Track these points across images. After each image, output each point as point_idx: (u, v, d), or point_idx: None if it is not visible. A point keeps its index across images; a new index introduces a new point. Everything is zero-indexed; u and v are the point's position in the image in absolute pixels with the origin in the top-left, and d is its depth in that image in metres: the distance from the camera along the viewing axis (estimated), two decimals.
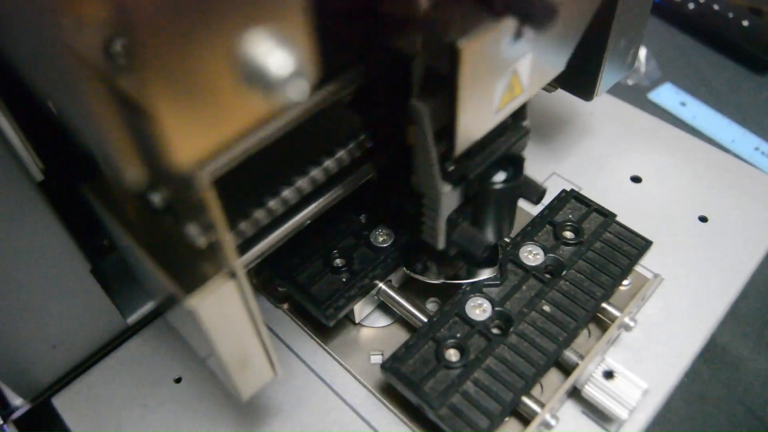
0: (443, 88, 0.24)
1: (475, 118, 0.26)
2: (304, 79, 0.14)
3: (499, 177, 0.31)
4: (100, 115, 0.15)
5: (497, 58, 0.24)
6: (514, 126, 0.31)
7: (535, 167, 0.47)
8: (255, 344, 0.26)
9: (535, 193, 0.32)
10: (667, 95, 0.61)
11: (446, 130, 0.26)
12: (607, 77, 0.39)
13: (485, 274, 0.35)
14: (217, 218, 0.20)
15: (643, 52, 0.63)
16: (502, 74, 0.25)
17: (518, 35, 0.24)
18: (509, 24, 0.23)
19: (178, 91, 0.14)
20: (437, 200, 0.29)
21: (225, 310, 0.23)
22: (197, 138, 0.15)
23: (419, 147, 0.27)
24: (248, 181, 0.29)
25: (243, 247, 0.30)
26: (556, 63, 0.30)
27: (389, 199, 0.34)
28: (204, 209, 0.19)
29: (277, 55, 0.14)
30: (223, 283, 0.22)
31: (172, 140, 0.14)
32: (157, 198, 0.23)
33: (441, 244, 0.32)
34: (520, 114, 0.31)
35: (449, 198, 0.29)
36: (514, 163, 0.31)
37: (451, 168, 0.28)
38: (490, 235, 0.33)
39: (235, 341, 0.25)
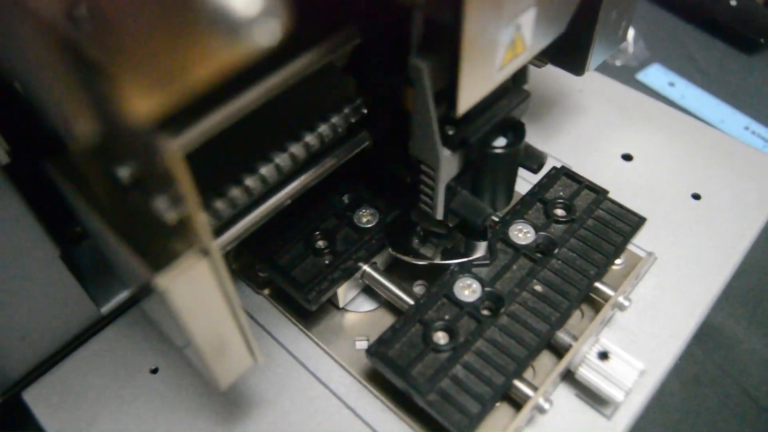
0: (444, 43, 0.23)
1: (478, 76, 0.24)
2: (273, 19, 0.13)
3: (500, 142, 0.30)
4: (59, 78, 0.14)
5: (502, 9, 0.23)
6: (515, 89, 0.30)
7: None
8: (232, 329, 0.24)
9: (536, 160, 0.31)
10: (655, 76, 0.60)
11: (445, 92, 0.25)
12: (598, 51, 0.38)
13: (474, 253, 0.34)
14: (187, 189, 0.18)
15: (631, 33, 0.62)
16: (506, 28, 0.24)
17: None
18: None
19: (132, 39, 0.12)
20: (437, 166, 0.28)
21: (198, 291, 0.21)
22: (155, 89, 0.13)
23: (418, 110, 0.26)
24: (230, 153, 0.27)
25: (221, 228, 0.29)
26: (559, 21, 0.28)
27: (385, 169, 0.33)
28: (172, 180, 0.18)
29: None
30: (196, 262, 0.21)
31: (128, 92, 0.13)
32: (124, 172, 0.22)
33: (440, 214, 0.31)
34: (520, 77, 0.30)
35: (449, 164, 0.28)
36: (514, 129, 0.30)
37: (451, 132, 0.27)
38: (490, 204, 0.32)
39: (210, 325, 0.23)
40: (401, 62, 0.24)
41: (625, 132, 0.46)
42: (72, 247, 0.34)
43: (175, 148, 0.17)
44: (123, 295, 0.36)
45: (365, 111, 0.29)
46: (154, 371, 0.35)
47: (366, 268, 0.34)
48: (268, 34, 0.13)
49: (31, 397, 0.34)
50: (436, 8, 0.22)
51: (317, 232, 0.34)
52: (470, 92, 0.24)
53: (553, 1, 0.26)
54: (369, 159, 0.32)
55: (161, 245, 0.21)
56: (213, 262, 0.21)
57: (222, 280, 0.22)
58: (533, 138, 0.46)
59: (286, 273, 0.33)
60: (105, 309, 0.36)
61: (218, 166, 0.26)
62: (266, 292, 0.37)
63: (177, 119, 0.20)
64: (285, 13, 0.13)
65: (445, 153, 0.27)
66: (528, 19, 0.25)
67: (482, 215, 0.30)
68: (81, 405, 0.34)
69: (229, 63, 0.13)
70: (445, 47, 0.22)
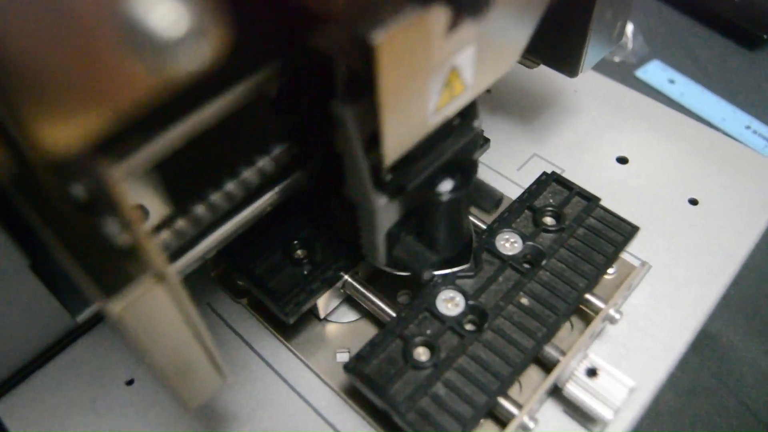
0: (369, 89, 0.20)
1: (407, 124, 0.22)
2: (202, 41, 0.11)
3: (446, 186, 0.27)
4: None
5: (427, 54, 0.20)
6: (463, 127, 0.27)
7: (515, 148, 0.44)
8: (196, 352, 0.23)
9: (490, 200, 0.28)
10: (654, 72, 0.58)
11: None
12: (593, 52, 0.36)
13: (459, 264, 0.32)
14: (131, 217, 0.17)
15: (630, 28, 0.61)
16: (437, 72, 0.21)
17: (453, 26, 0.20)
18: (438, 12, 0.19)
19: (37, 65, 0.11)
20: (372, 214, 0.26)
21: (154, 317, 0.20)
22: (70, 119, 0.12)
23: (347, 156, 0.24)
24: (192, 170, 0.26)
25: (195, 239, 0.27)
26: (508, 54, 0.26)
27: (325, 210, 0.31)
28: (116, 207, 0.17)
29: (164, 7, 0.11)
30: (150, 288, 0.19)
31: (37, 123, 0.12)
32: (79, 190, 0.20)
33: (381, 261, 0.29)
34: (469, 113, 0.27)
35: (387, 211, 0.26)
36: (462, 169, 0.27)
37: (388, 178, 0.25)
38: (438, 250, 0.30)
39: (171, 350, 0.22)
40: (328, 102, 0.22)
41: (620, 134, 0.45)
42: (42, 254, 0.33)
43: (117, 175, 0.16)
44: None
45: (297, 152, 0.27)
46: (130, 383, 0.34)
47: (347, 278, 0.33)
48: (195, 58, 0.12)
49: (4, 408, 0.33)
50: (351, 58, 0.20)
51: (296, 241, 0.33)
52: (397, 141, 0.22)
53: (500, 34, 0.24)
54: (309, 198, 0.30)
55: (117, 268, 0.20)
56: (169, 287, 0.20)
57: (181, 304, 0.21)
58: (525, 140, 0.44)
59: (263, 283, 0.32)
60: (80, 317, 0.35)
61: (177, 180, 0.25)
62: (245, 301, 0.36)
63: (124, 141, 0.19)
64: (218, 33, 0.12)
65: (381, 201, 0.25)
66: (466, 57, 0.22)
67: (426, 264, 0.28)
68: (54, 417, 0.33)
69: (154, 87, 0.12)
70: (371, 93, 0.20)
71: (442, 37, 0.20)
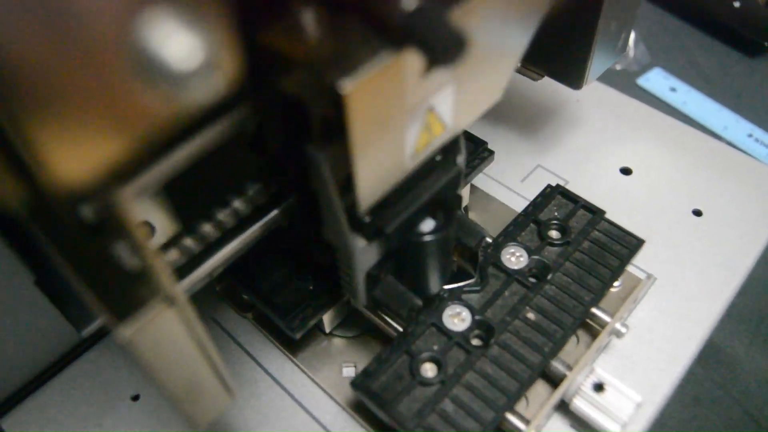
0: (342, 134, 0.20)
1: (382, 168, 0.21)
2: (215, 73, 0.11)
3: (427, 226, 0.26)
4: None
5: (401, 98, 0.20)
6: (445, 163, 0.26)
7: (519, 160, 0.44)
8: (205, 372, 0.23)
9: (474, 237, 0.28)
10: (656, 80, 0.58)
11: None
12: (597, 64, 0.36)
13: (465, 278, 0.32)
14: (141, 241, 0.17)
15: (631, 36, 0.61)
16: (413, 114, 0.21)
17: (427, 70, 0.18)
18: (411, 57, 0.18)
19: (51, 91, 0.11)
20: (350, 256, 0.25)
21: (164, 340, 0.20)
22: (82, 150, 0.12)
23: (323, 199, 0.23)
24: (199, 186, 0.26)
25: (203, 255, 0.27)
26: (492, 89, 0.25)
27: (303, 250, 0.30)
28: (126, 232, 0.17)
29: (177, 40, 0.11)
30: (161, 311, 0.19)
31: (48, 156, 0.12)
32: (88, 211, 0.20)
33: (361, 301, 0.28)
34: (452, 148, 0.26)
35: (365, 253, 0.25)
36: (444, 208, 0.26)
37: (366, 219, 0.24)
38: (421, 289, 0.29)
39: (180, 371, 0.22)
40: (303, 144, 0.21)
41: (624, 144, 0.45)
42: (47, 269, 0.33)
43: (126, 198, 0.16)
44: None
45: (273, 191, 0.26)
46: (135, 398, 0.34)
47: None
48: (207, 90, 0.12)
49: (10, 424, 0.33)
50: (322, 103, 0.19)
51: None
52: (372, 186, 0.22)
53: (480, 71, 0.23)
54: (287, 239, 0.29)
55: (128, 291, 0.20)
56: (179, 309, 0.20)
57: (190, 326, 0.21)
58: (528, 151, 0.44)
59: (269, 299, 0.32)
60: (86, 332, 0.35)
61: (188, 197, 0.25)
62: (250, 315, 0.36)
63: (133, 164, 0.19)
64: (232, 65, 0.12)
65: (360, 244, 0.25)
66: (445, 98, 0.21)
67: (407, 306, 0.27)
68: None
69: (165, 118, 0.12)
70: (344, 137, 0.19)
71: (417, 80, 0.20)
